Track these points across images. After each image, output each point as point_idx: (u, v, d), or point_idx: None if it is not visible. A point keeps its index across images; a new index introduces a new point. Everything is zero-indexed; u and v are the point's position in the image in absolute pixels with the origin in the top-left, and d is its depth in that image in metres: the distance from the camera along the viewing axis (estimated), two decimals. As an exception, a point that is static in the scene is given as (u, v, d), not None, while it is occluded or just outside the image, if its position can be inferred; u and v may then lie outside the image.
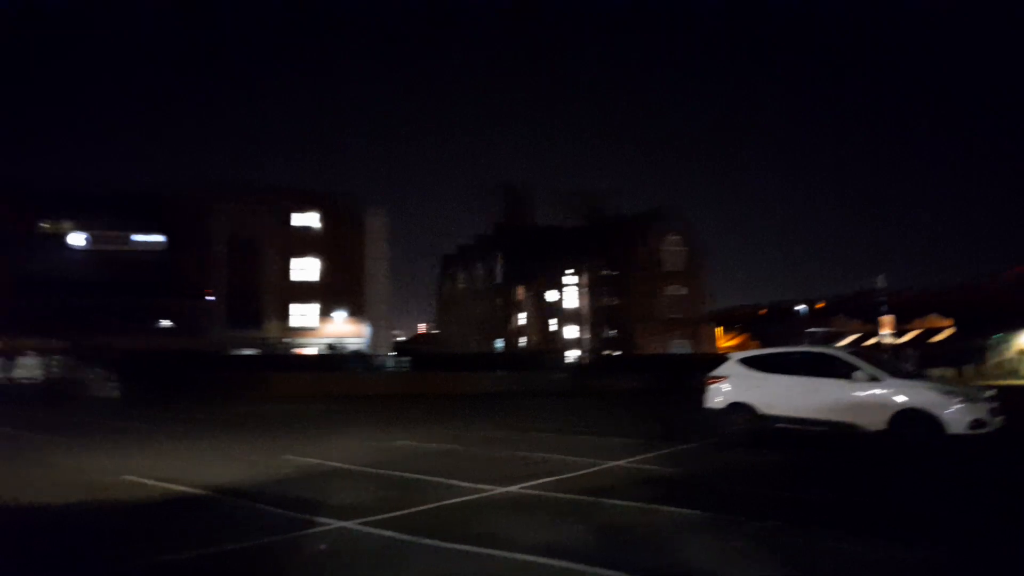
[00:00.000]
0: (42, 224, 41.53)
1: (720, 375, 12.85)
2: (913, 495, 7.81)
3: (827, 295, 60.22)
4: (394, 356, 41.56)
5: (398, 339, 68.30)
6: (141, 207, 41.22)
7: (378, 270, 47.07)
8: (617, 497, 7.27)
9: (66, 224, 41.46)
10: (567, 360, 48.28)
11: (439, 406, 22.78)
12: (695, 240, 54.31)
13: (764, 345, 30.76)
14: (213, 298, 41.18)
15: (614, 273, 52.80)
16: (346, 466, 9.65)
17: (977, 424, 9.90)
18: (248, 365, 33.36)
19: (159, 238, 42.05)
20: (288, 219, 44.34)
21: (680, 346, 50.54)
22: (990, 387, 11.66)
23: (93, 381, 27.76)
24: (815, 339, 42.30)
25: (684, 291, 53.30)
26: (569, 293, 55.64)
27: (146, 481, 8.42)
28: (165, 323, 41.05)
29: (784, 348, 13.32)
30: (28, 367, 29.37)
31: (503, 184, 64.48)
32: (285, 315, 43.31)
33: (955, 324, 39.61)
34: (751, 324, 61.66)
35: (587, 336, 53.79)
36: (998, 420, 10.25)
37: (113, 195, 41.41)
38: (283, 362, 33.75)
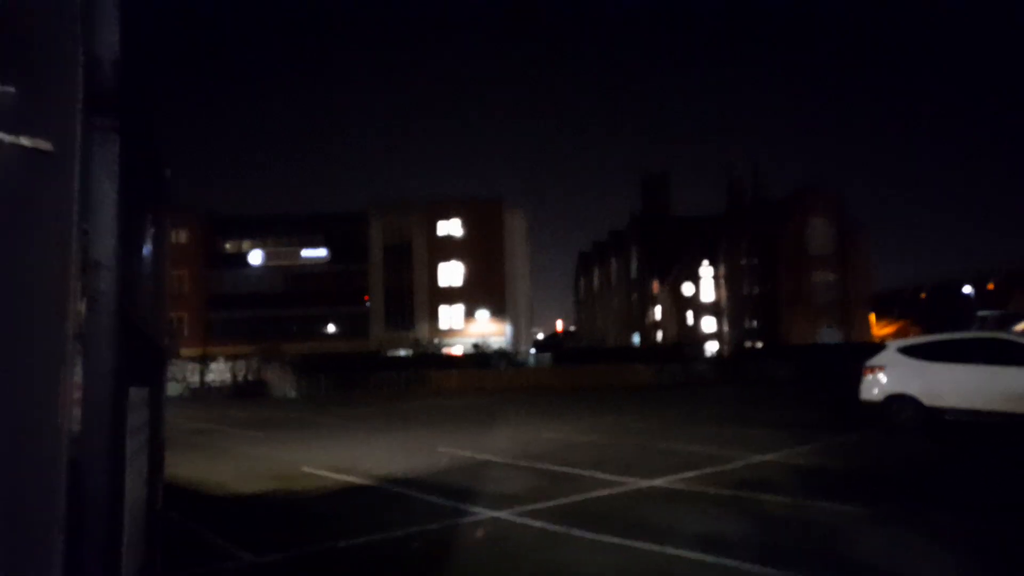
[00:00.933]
0: (226, 245, 47.26)
1: (878, 364, 12.35)
2: None
3: (1000, 272, 54.60)
4: (535, 352, 42.72)
5: (537, 336, 69.59)
6: (308, 225, 46.48)
7: (517, 270, 48.54)
8: (769, 491, 7.12)
9: (245, 244, 46.86)
10: (706, 353, 47.30)
11: (581, 399, 23.14)
12: (844, 220, 51.19)
13: (926, 331, 28.69)
14: (369, 303, 44.94)
15: (755, 261, 51.00)
16: (497, 458, 9.96)
17: None
18: (402, 364, 35.71)
19: (323, 251, 46.71)
20: (434, 227, 47.21)
21: (830, 335, 47.95)
22: None
23: (273, 382, 31.22)
24: (987, 323, 38.59)
25: (832, 276, 50.49)
26: (706, 285, 54.37)
27: (321, 472, 9.14)
28: (332, 328, 45.31)
29: (950, 334, 12.47)
30: (218, 371, 33.24)
31: (640, 173, 63.88)
32: (434, 317, 46.22)
33: None
34: (910, 309, 57.12)
35: (727, 328, 52.33)
36: None
37: (283, 216, 47.02)
38: (433, 361, 35.84)
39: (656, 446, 10.94)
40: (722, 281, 53.15)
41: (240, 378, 32.27)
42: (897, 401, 11.78)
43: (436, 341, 42.46)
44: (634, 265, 63.30)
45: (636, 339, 59.49)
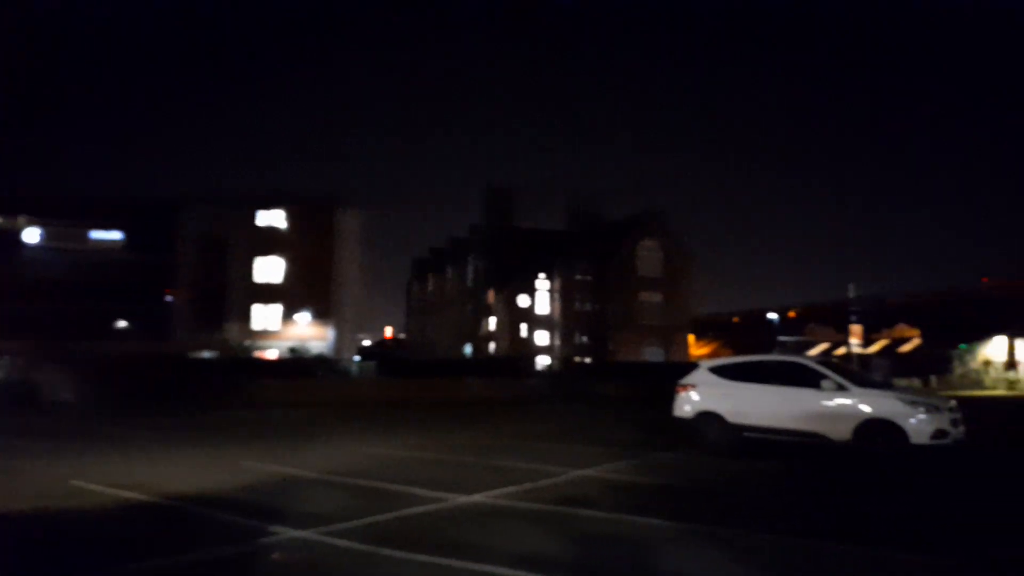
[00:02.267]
0: (-7, 219, 40.02)
1: (689, 383, 12.78)
2: (869, 504, 7.74)
3: (800, 303, 60.57)
4: (359, 360, 40.61)
5: (364, 343, 67.32)
6: (101, 207, 40.32)
7: (348, 272, 46.21)
8: (587, 507, 7.16)
9: (20, 220, 40.05)
10: (537, 367, 47.82)
11: (406, 412, 22.44)
12: (674, 246, 54.19)
13: (737, 353, 30.39)
14: (173, 299, 40.06)
15: (589, 278, 52.40)
16: (309, 474, 9.39)
17: (939, 434, 9.97)
18: (207, 368, 32.28)
19: (117, 235, 40.91)
20: (254, 219, 43.31)
21: (653, 353, 50.34)
22: (953, 398, 11.60)
23: (47, 386, 26.62)
24: (786, 348, 42.43)
25: (660, 298, 53.14)
26: (542, 298, 55.20)
27: (95, 487, 8.09)
28: (127, 326, 39.80)
29: (753, 356, 13.32)
30: (-32, 372, 28.09)
31: (485, 185, 63.85)
32: (247, 317, 42.24)
33: (922, 334, 39.97)
34: (724, 332, 61.77)
35: (559, 342, 53.35)
36: (959, 431, 10.33)
37: (73, 195, 40.56)
38: (243, 365, 32.68)
39: (481, 461, 10.77)
40: (557, 296, 54.19)
41: (4, 379, 27.48)
42: (705, 418, 12.22)
43: (248, 343, 38.94)
44: (471, 275, 63.05)
45: (468, 350, 59.05)
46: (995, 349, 34.75)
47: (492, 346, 58.63)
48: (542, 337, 54.80)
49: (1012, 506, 7.73)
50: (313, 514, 6.69)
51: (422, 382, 32.54)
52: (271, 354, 38.70)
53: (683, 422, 12.48)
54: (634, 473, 9.66)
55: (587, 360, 48.60)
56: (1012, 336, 33.91)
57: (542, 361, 50.91)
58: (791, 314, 57.81)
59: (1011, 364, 33.80)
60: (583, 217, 49.80)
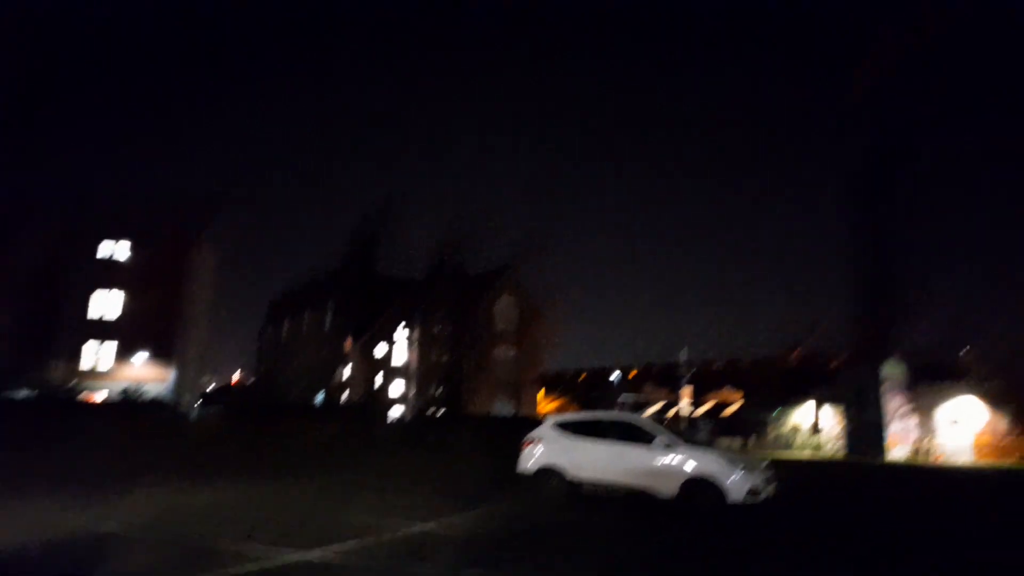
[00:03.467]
0: None
1: (535, 437, 13.31)
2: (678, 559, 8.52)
3: (640, 363, 64.61)
4: (200, 405, 38.38)
5: (209, 387, 63.37)
6: None
7: (195, 311, 43.89)
8: (423, 561, 7.23)
9: None
10: (391, 417, 47.43)
11: (248, 460, 21.36)
12: (529, 303, 56.23)
13: (582, 409, 31.98)
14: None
15: (448, 330, 53.07)
16: (118, 531, 8.63)
17: (753, 493, 11.06)
18: (16, 412, 29.00)
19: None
20: (95, 247, 40.27)
21: (504, 407, 51.56)
22: (766, 458, 13.00)
23: None
24: (625, 406, 45.09)
25: (513, 353, 54.71)
26: (401, 348, 55.08)
27: None
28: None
29: (593, 413, 14.19)
30: None
31: (351, 229, 62.93)
32: (77, 355, 38.84)
33: (744, 397, 44.06)
34: (571, 388, 64.43)
35: (413, 393, 53.32)
36: (771, 488, 11.49)
37: None
38: (65, 408, 29.80)
39: (320, 514, 10.60)
40: (415, 346, 54.29)
41: None
42: (547, 472, 12.79)
43: (74, 384, 35.72)
44: (328, 320, 61.64)
45: (320, 397, 57.38)
46: (803, 415, 38.71)
47: (346, 394, 57.41)
48: (397, 387, 54.50)
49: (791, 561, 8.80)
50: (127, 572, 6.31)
51: (268, 429, 31.41)
52: (100, 396, 35.72)
53: (527, 475, 12.90)
54: (474, 525, 9.87)
55: (440, 411, 48.92)
56: (817, 402, 37.97)
57: (396, 411, 50.58)
58: (632, 373, 61.50)
59: (816, 429, 37.76)
60: (447, 268, 50.79)
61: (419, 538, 8.78)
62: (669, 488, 11.45)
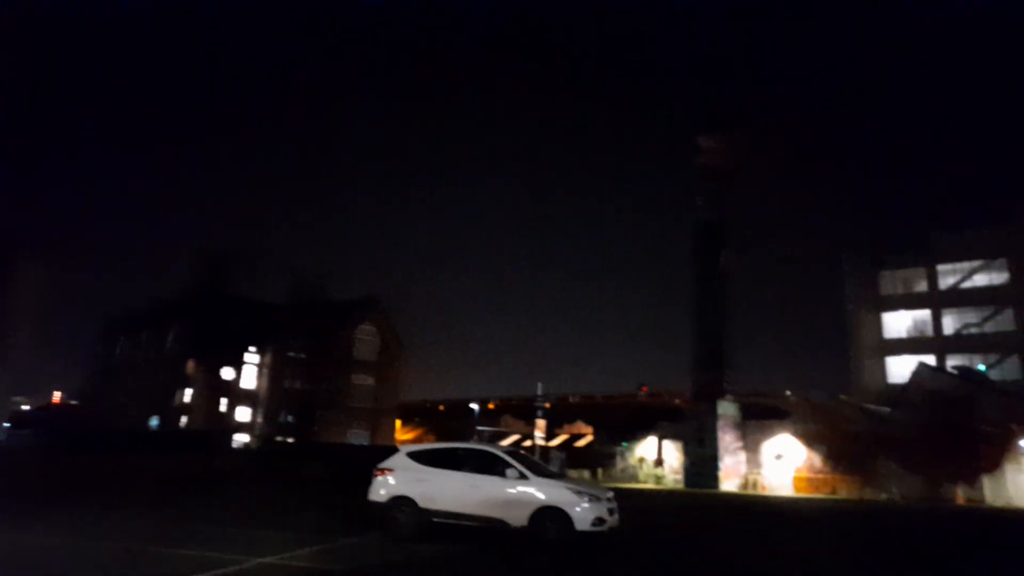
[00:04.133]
0: None
1: (387, 467, 13.03)
2: None
3: (499, 396, 65.39)
4: (9, 427, 34.34)
5: (23, 408, 56.76)
6: None
7: (10, 326, 39.42)
8: None
9: None
10: (234, 444, 44.79)
11: (70, 491, 19.41)
12: (390, 333, 55.47)
13: (440, 440, 31.80)
14: None
15: (303, 356, 51.11)
16: None
17: (598, 521, 11.45)
18: None
19: None
20: None
21: (359, 436, 50.23)
22: (611, 489, 13.58)
23: None
24: (483, 437, 45.47)
25: (371, 381, 53.60)
26: (249, 372, 52.30)
27: None
28: None
29: (449, 444, 14.08)
30: None
31: (200, 249, 59.42)
32: None
33: (595, 431, 45.78)
34: (430, 419, 63.90)
35: (261, 420, 50.68)
36: (615, 518, 11.97)
37: None
38: None
39: (153, 550, 9.91)
40: (266, 371, 51.76)
41: None
42: (398, 502, 12.53)
43: None
44: (170, 340, 57.52)
45: (155, 422, 53.09)
46: (647, 448, 40.79)
47: (184, 419, 53.51)
48: (243, 413, 51.61)
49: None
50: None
51: (93, 456, 28.71)
52: None
53: (378, 506, 12.57)
54: (318, 560, 9.58)
55: (290, 440, 46.82)
56: (660, 437, 40.17)
57: (240, 439, 47.82)
58: (491, 405, 62.11)
59: (659, 462, 39.87)
60: (305, 294, 49.16)
61: (260, 574, 8.42)
62: (520, 517, 11.59)
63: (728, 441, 36.58)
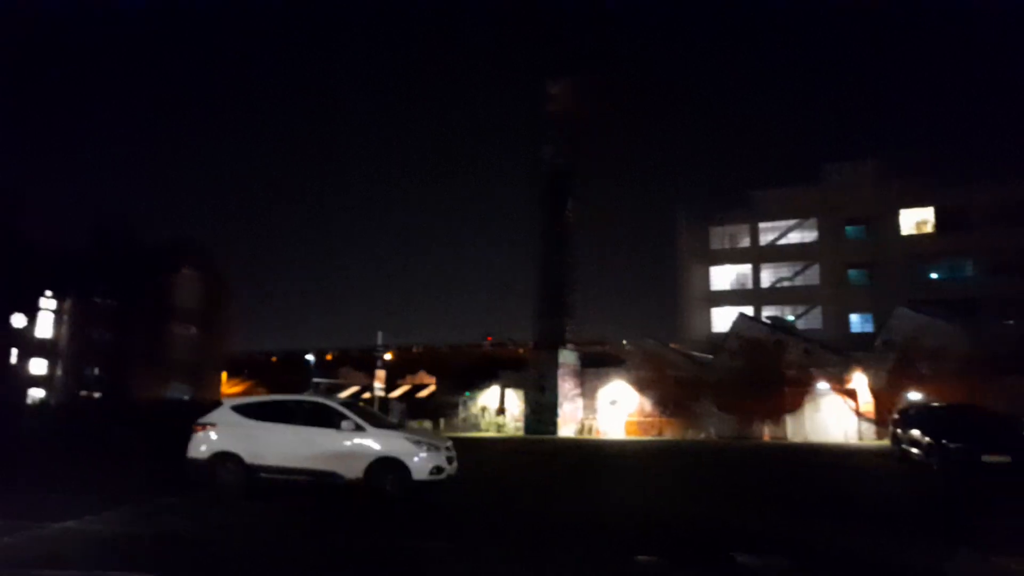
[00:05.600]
0: None
1: (208, 422, 12.15)
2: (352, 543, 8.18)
3: (337, 347, 63.34)
4: None
5: None
6: None
7: None
8: (57, 567, 6.18)
9: None
10: (29, 400, 39.74)
11: None
12: (215, 280, 51.25)
13: (272, 393, 29.85)
14: None
15: (110, 303, 45.95)
16: None
17: (437, 471, 11.28)
18: None
19: None
20: None
21: (180, 391, 46.38)
22: (452, 438, 13.42)
23: None
24: (319, 389, 43.69)
25: (194, 332, 49.52)
26: (45, 320, 46.23)
27: None
28: None
29: (279, 396, 13.39)
30: None
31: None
32: None
33: (438, 382, 45.59)
34: (261, 371, 60.64)
35: (62, 374, 45.21)
36: (454, 467, 11.82)
37: None
38: None
39: None
40: (66, 319, 46.03)
41: None
42: (221, 459, 11.70)
43: None
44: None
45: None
46: (490, 397, 41.24)
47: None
48: (39, 366, 45.73)
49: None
50: None
51: None
52: None
53: (198, 464, 11.73)
54: (127, 523, 8.67)
55: (97, 396, 42.26)
56: (503, 386, 40.75)
57: (36, 394, 42.44)
58: (328, 357, 60.04)
59: (501, 410, 40.52)
60: (113, 237, 43.95)
61: (59, 540, 7.49)
62: (355, 470, 11.17)
63: (567, 388, 37.74)
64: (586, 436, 36.61)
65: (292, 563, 7.04)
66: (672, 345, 41.61)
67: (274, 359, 63.00)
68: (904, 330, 32.46)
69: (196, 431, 12.08)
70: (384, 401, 38.17)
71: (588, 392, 38.40)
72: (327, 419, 11.62)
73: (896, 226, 44.99)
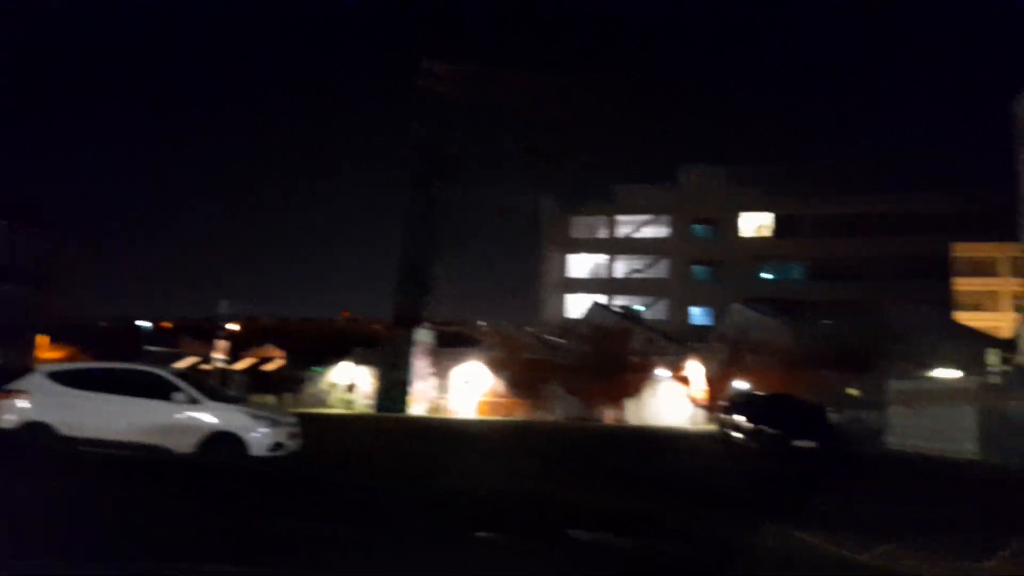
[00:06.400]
0: None
1: (20, 389, 11.15)
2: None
3: (177, 316, 59.14)
4: None
5: None
6: None
7: None
8: None
9: None
10: None
11: None
12: (33, 233, 45.95)
13: (99, 360, 27.46)
14: None
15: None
16: None
17: (276, 447, 10.94)
18: None
19: None
20: None
21: (-8, 354, 41.37)
22: (295, 414, 13.00)
23: None
24: (154, 358, 40.68)
25: (7, 290, 44.28)
26: None
27: None
28: None
29: (103, 364, 12.54)
30: None
31: None
32: None
33: (287, 356, 43.82)
34: (89, 337, 55.29)
35: None
36: (296, 443, 11.49)
37: None
38: None
39: None
40: None
41: None
42: (32, 429, 10.81)
43: None
44: None
45: None
46: (341, 373, 40.26)
47: None
48: None
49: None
50: None
51: None
52: None
53: (5, 435, 10.73)
54: None
55: None
56: (355, 363, 39.93)
57: None
58: (165, 324, 56.01)
59: (351, 387, 39.71)
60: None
61: None
62: (187, 444, 10.63)
63: (421, 367, 37.67)
64: (437, 415, 36.78)
65: (102, 538, 6.45)
66: (527, 329, 42.66)
67: (105, 325, 57.72)
68: (737, 324, 35.30)
69: (2, 399, 11.01)
70: (225, 373, 36.20)
71: (442, 371, 38.54)
72: (157, 390, 10.93)
73: (738, 229, 48.78)
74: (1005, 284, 48.11)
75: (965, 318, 41.48)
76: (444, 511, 8.72)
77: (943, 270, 43.52)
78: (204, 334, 45.62)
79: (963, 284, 46.07)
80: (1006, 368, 25.05)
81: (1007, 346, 29.24)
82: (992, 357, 27.43)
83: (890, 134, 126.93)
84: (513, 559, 6.67)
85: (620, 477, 13.45)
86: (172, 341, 51.40)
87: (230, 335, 37.59)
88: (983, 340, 31.85)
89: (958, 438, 16.14)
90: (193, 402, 10.80)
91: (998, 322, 44.64)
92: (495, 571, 6.18)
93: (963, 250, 45.66)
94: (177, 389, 10.87)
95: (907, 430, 17.86)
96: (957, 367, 25.36)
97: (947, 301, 42.35)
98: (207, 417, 10.79)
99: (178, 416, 10.70)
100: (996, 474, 12.12)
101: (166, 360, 42.64)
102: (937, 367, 25.34)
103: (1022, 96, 26.05)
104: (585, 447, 20.95)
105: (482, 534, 7.36)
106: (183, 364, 42.25)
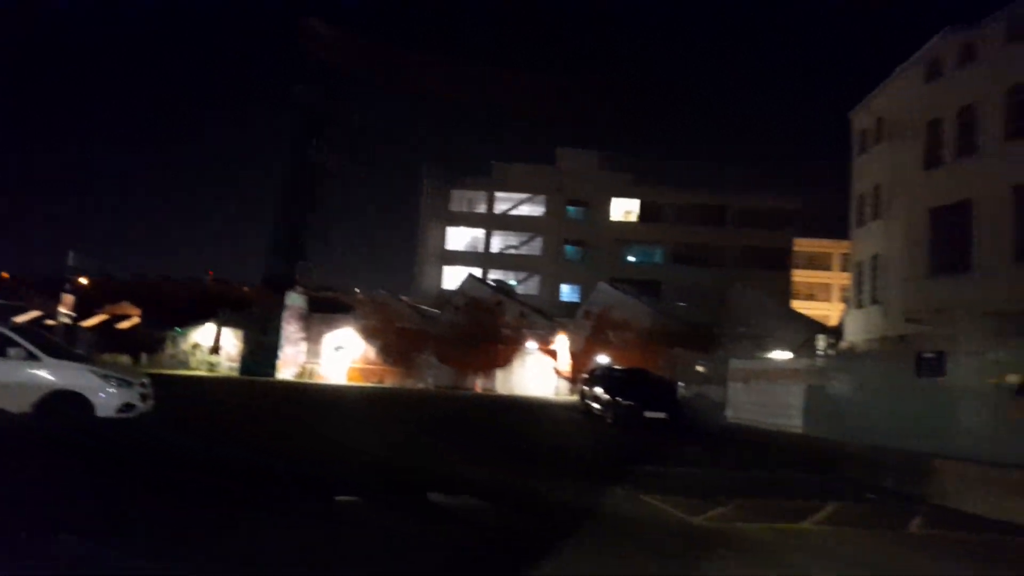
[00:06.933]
0: None
1: None
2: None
3: (18, 267, 53.81)
4: None
5: None
6: None
7: None
8: None
9: None
10: None
11: None
12: None
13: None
14: None
15: None
16: None
17: (127, 407, 10.66)
18: None
19: None
20: None
21: None
22: (148, 375, 12.54)
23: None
24: (-7, 311, 37.07)
25: None
26: None
27: None
28: None
29: None
30: None
31: None
32: None
33: (144, 314, 41.29)
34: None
35: None
36: (148, 404, 11.22)
37: None
38: None
39: None
40: None
41: None
42: None
43: None
44: None
45: None
46: (205, 335, 38.55)
47: None
48: None
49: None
50: None
51: None
52: None
53: None
54: None
55: None
56: (220, 324, 38.34)
57: None
58: (3, 276, 51.05)
59: (215, 349, 38.14)
60: None
61: None
62: (23, 404, 10.10)
63: (291, 331, 36.89)
64: (306, 380, 36.21)
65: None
66: (403, 298, 42.66)
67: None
68: (601, 302, 37.14)
69: None
70: (72, 330, 33.72)
71: (314, 336, 37.91)
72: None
73: (609, 213, 50.99)
74: (836, 277, 53.78)
75: (801, 306, 45.96)
76: (307, 477, 8.56)
77: (785, 262, 47.74)
78: (50, 287, 42.02)
79: (800, 276, 51.03)
80: (830, 352, 28.17)
81: (834, 333, 32.81)
82: (821, 342, 30.74)
83: (751, 138, 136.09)
84: (372, 519, 6.95)
85: (485, 443, 14.08)
86: (12, 294, 46.86)
87: (79, 289, 34.94)
88: (815, 327, 35.50)
89: (787, 413, 18.01)
90: (31, 358, 10.28)
91: (828, 311, 49.83)
92: (353, 531, 6.34)
93: (802, 245, 50.46)
94: (13, 344, 10.30)
95: (744, 405, 19.70)
96: (791, 349, 28.14)
97: (786, 290, 46.55)
98: (47, 375, 10.31)
99: (14, 374, 10.16)
100: (816, 444, 13.73)
101: (5, 314, 38.94)
102: (774, 349, 27.98)
103: (857, 108, 28.99)
104: (454, 414, 21.53)
105: (343, 498, 7.51)
106: (22, 318, 38.85)
